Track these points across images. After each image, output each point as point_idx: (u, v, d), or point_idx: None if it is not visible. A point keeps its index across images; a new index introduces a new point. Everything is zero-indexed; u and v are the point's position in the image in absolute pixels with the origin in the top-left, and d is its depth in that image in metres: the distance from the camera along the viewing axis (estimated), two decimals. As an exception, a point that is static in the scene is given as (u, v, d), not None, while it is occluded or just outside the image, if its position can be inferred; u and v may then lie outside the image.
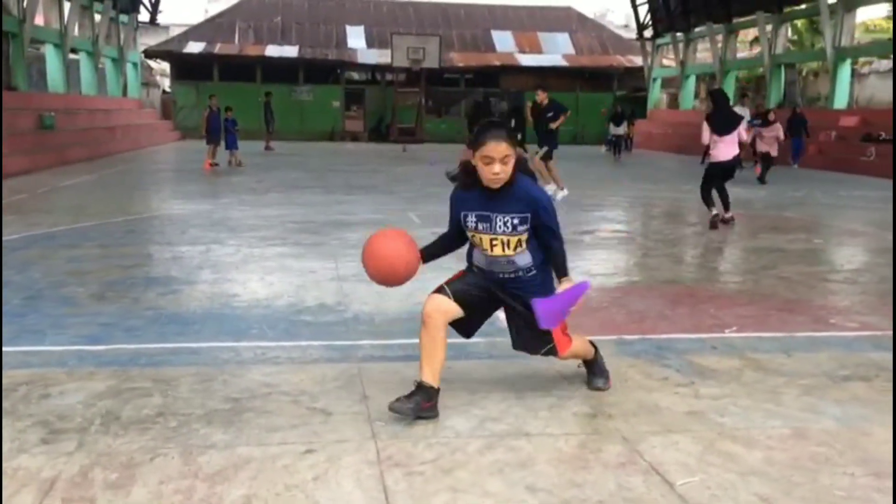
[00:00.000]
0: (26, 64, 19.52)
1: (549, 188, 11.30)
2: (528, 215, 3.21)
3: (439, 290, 3.36)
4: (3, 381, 3.59)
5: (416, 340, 4.24)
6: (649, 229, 9.76)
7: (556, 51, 35.14)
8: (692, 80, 31.16)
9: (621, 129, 24.48)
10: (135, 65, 30.07)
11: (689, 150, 24.17)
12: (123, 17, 27.84)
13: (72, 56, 23.19)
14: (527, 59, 34.21)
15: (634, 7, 32.61)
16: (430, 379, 3.25)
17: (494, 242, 3.24)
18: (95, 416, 3.23)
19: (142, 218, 9.45)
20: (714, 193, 9.42)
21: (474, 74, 33.99)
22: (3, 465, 2.78)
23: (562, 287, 3.26)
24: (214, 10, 43.61)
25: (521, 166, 3.25)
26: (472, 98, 33.13)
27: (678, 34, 30.31)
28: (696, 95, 32.21)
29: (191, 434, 3.07)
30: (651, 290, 5.88)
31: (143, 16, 29.99)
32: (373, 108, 33.69)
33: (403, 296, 5.41)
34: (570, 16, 37.96)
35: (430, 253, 3.48)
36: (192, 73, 32.33)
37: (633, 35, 35.34)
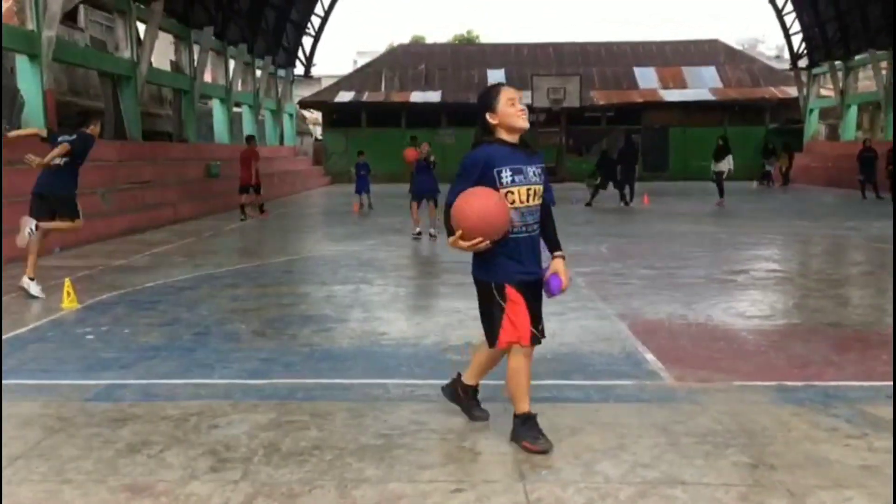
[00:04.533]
0: (196, 117, 21.26)
1: None
2: (543, 166, 3.44)
3: (535, 339, 3.37)
4: (177, 411, 3.88)
5: (563, 381, 4.22)
6: (809, 269, 9.18)
7: (702, 85, 34.13)
8: (853, 110, 29.25)
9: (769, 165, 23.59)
10: (290, 115, 32.03)
11: (849, 184, 22.66)
12: (281, 72, 29.80)
13: (235, 109, 25.04)
14: (671, 95, 33.41)
15: (787, 36, 31.18)
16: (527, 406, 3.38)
17: (530, 192, 3.34)
18: (258, 446, 3.41)
19: (297, 259, 9.97)
20: None
21: (616, 112, 33.58)
22: (178, 491, 2.99)
23: (555, 268, 3.41)
24: (363, 60, 45.88)
25: None
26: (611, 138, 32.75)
27: (836, 62, 28.64)
28: (859, 126, 30.18)
29: (345, 468, 3.18)
30: (814, 334, 5.51)
31: (299, 69, 31.95)
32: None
33: (549, 335, 5.37)
34: (716, 48, 36.83)
35: None
36: (341, 121, 34.00)
37: (786, 65, 33.75)
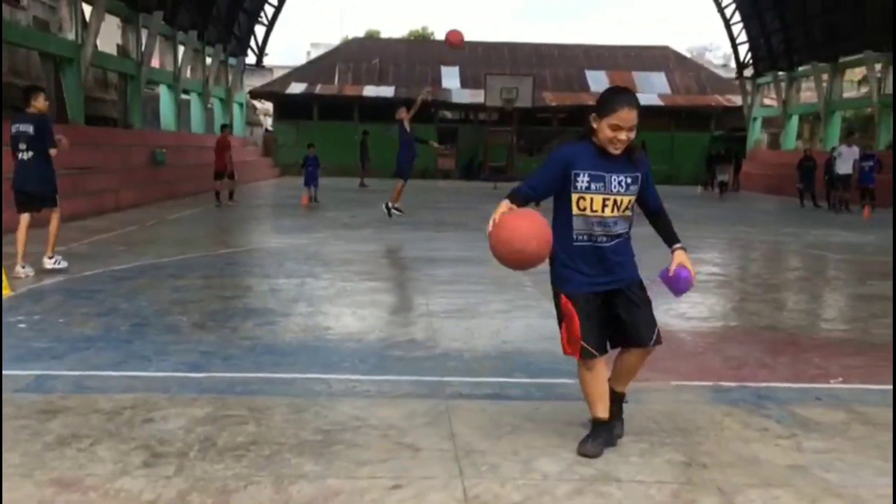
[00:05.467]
0: (142, 103, 20.77)
1: None
2: (639, 175, 3.25)
3: (586, 353, 3.22)
4: (110, 404, 3.78)
5: (506, 379, 4.25)
6: (748, 273, 9.43)
7: (651, 90, 34.72)
8: (795, 120, 30.13)
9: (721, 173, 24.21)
10: (241, 105, 31.53)
11: (789, 191, 23.33)
12: (232, 60, 29.30)
13: (183, 96, 24.53)
14: (621, 99, 33.88)
15: (734, 46, 31.94)
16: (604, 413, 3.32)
17: (607, 202, 3.21)
18: (194, 441, 3.34)
19: (242, 251, 9.82)
20: None
21: (567, 114, 33.94)
22: (108, 485, 2.91)
23: (679, 260, 3.34)
24: (316, 53, 45.43)
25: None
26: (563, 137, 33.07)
27: (780, 73, 29.45)
28: (799, 135, 31.10)
29: (283, 463, 3.14)
30: (750, 336, 5.66)
31: (250, 58, 31.47)
32: (465, 146, 34.07)
33: (492, 333, 5.42)
34: (666, 55, 37.51)
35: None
36: (293, 113, 33.62)
37: (732, 74, 34.58)
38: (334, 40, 48.27)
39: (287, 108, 33.94)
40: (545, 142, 33.10)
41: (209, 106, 27.32)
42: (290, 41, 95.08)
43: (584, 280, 3.24)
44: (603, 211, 3.21)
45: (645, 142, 21.09)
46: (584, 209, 3.22)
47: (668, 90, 34.92)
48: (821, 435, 3.58)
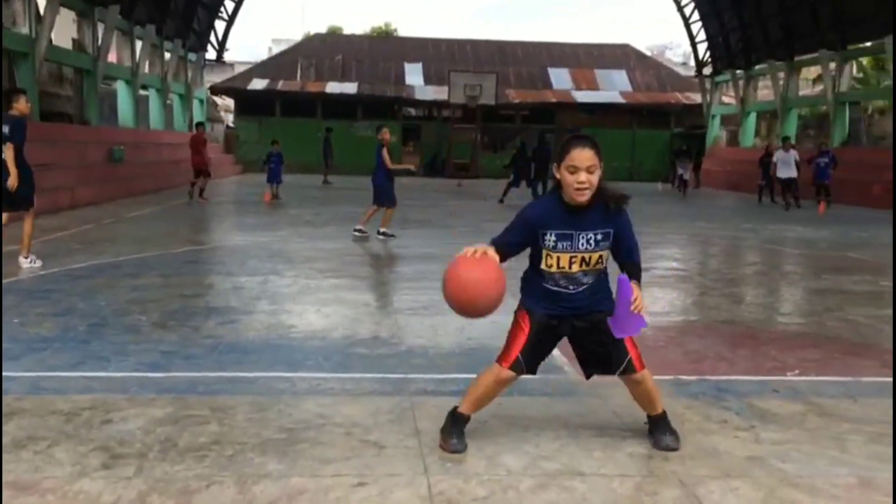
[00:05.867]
0: (98, 99, 20.36)
1: None
2: (611, 231, 3.19)
3: (516, 366, 3.25)
4: (68, 405, 3.70)
5: (470, 375, 4.24)
6: (707, 268, 9.58)
7: (612, 88, 35.10)
8: (752, 118, 30.70)
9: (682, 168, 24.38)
10: (201, 101, 31.09)
11: (748, 188, 23.74)
12: (191, 56, 28.87)
13: (142, 92, 24.11)
14: (583, 96, 34.23)
15: (693, 44, 32.43)
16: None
17: (574, 259, 3.19)
18: (154, 442, 3.29)
19: (203, 249, 9.70)
20: None
21: (530, 111, 34.15)
22: (66, 488, 2.86)
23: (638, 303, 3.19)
24: (278, 48, 45.00)
25: (606, 189, 3.19)
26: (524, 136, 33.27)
27: (738, 71, 29.97)
28: (757, 133, 31.69)
29: (246, 463, 3.11)
30: (709, 331, 5.75)
31: (210, 54, 31.04)
32: (429, 143, 34.06)
33: (457, 330, 5.43)
34: (627, 53, 37.93)
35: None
36: (254, 109, 33.28)
37: (692, 72, 35.09)
38: (296, 36, 47.95)
39: (249, 104, 33.59)
40: (509, 139, 33.28)
41: (168, 102, 26.89)
42: (251, 37, 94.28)
43: (543, 306, 3.28)
44: (570, 268, 3.21)
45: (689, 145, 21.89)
46: (551, 266, 3.22)
47: (629, 88, 35.33)
48: (778, 426, 3.66)
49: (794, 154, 18.94)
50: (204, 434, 3.39)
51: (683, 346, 5.23)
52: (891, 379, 4.56)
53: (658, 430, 3.40)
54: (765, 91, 31.54)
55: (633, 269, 3.26)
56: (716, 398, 4.06)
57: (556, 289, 3.25)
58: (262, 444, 3.31)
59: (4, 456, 3.11)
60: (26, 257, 7.67)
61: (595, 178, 3.09)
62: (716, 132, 32.99)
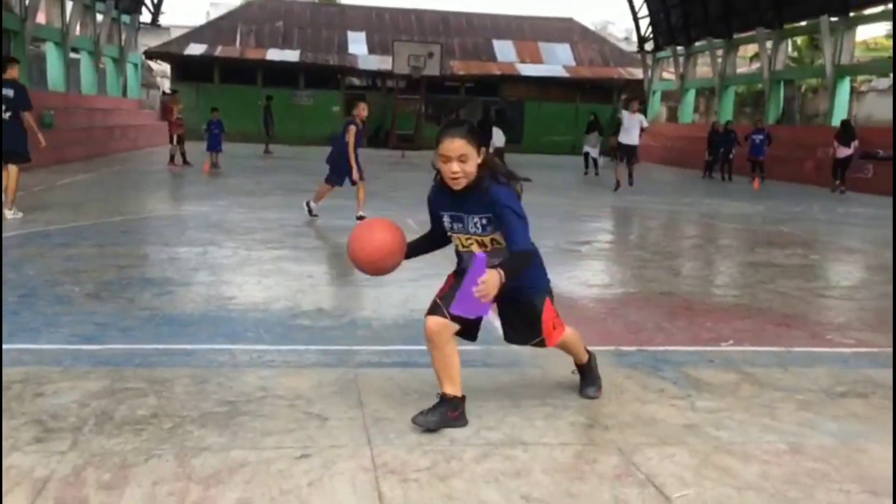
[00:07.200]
0: (27, 62, 19.49)
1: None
2: (491, 217, 3.14)
3: (434, 309, 3.26)
4: (-3, 378, 3.57)
5: (414, 347, 4.25)
6: (646, 241, 9.77)
7: (556, 62, 35.24)
8: (692, 94, 31.28)
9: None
10: (135, 65, 30.08)
11: (687, 163, 24.23)
12: (125, 18, 27.86)
13: (73, 55, 23.18)
14: (527, 69, 34.30)
15: (636, 20, 32.75)
16: (452, 389, 3.25)
17: (469, 241, 3.24)
18: (89, 415, 3.21)
19: (139, 218, 9.43)
20: None
21: (475, 83, 34.06)
22: (-5, 463, 2.76)
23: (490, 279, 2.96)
24: (216, 13, 43.73)
25: (494, 170, 3.18)
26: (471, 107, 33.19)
27: (679, 48, 30.43)
28: (696, 109, 32.31)
29: (185, 436, 3.06)
30: (648, 302, 5.87)
31: (145, 16, 30.01)
32: (373, 114, 33.65)
33: (401, 302, 5.42)
34: (571, 27, 38.08)
35: (413, 247, 3.42)
36: (192, 75, 32.34)
37: (634, 48, 35.48)
38: (234, 1, 46.54)
39: (186, 70, 32.61)
40: (453, 110, 33.16)
41: (101, 66, 25.93)
42: (189, 0, 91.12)
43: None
44: (470, 248, 3.26)
45: (596, 114, 21.81)
46: (457, 245, 3.33)
47: (572, 62, 35.52)
48: (712, 395, 3.77)
49: (640, 118, 17.10)
50: (142, 407, 3.32)
51: (623, 318, 5.33)
52: (818, 349, 4.75)
53: (582, 378, 3.67)
54: (704, 68, 32.14)
55: (511, 258, 3.07)
56: (654, 368, 4.16)
57: (467, 267, 3.28)
58: (201, 416, 3.25)
59: (-72, 432, 2.98)
60: (10, 209, 8.65)
61: (469, 167, 3.08)
62: (657, 108, 33.51)
